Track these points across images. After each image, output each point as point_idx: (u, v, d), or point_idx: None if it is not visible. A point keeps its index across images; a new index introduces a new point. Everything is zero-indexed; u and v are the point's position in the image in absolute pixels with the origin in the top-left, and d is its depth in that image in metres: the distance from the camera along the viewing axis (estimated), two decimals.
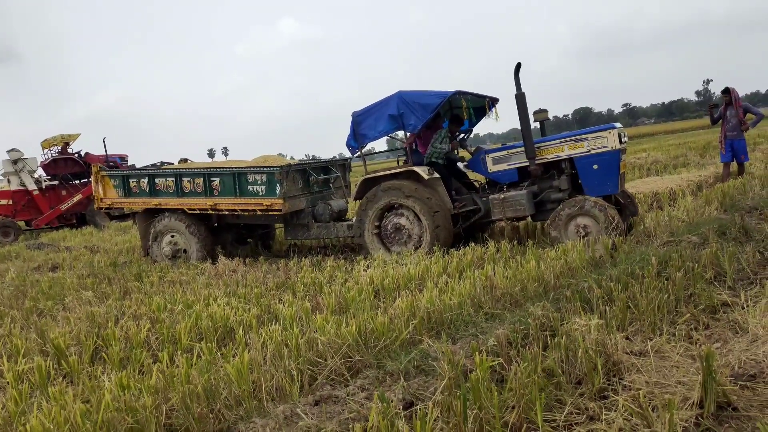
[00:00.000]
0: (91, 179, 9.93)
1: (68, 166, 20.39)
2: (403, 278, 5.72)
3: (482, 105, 8.14)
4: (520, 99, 7.23)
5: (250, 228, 10.05)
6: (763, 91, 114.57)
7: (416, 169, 7.42)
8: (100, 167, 9.88)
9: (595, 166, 6.99)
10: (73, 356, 4.24)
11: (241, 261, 8.11)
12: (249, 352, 3.72)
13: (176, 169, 9.29)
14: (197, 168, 9.09)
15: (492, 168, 7.66)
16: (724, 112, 10.80)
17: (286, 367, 3.55)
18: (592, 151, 7.02)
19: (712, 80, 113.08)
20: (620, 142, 6.94)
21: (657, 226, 7.19)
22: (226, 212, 8.80)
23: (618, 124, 7.18)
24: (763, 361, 3.26)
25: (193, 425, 3.02)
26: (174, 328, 4.63)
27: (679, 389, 3.02)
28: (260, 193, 8.41)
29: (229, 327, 4.71)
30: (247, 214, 8.67)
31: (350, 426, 2.76)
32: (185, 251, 9.02)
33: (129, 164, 20.60)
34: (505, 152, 7.58)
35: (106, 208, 9.97)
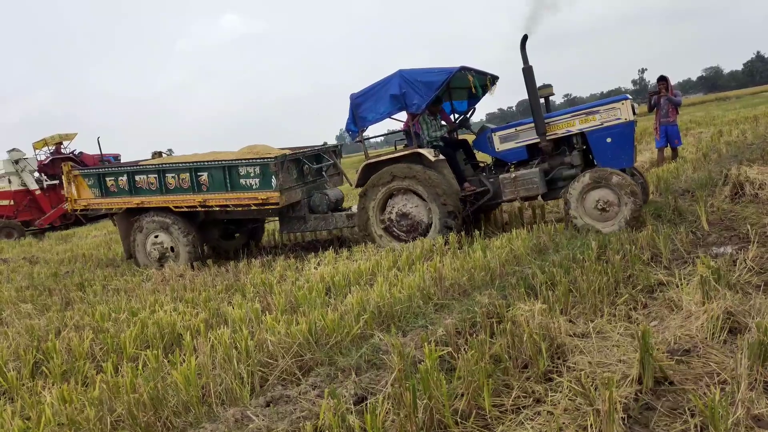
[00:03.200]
0: (63, 179, 9.23)
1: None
2: (353, 274, 5.73)
3: (484, 83, 7.73)
4: (528, 72, 6.93)
5: (238, 223, 9.39)
6: (694, 78, 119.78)
7: (421, 151, 7.07)
8: (71, 166, 9.17)
9: (609, 139, 6.69)
10: (12, 372, 4.06)
11: (188, 266, 7.94)
12: (197, 357, 3.65)
13: (159, 164, 8.54)
14: (182, 162, 8.40)
15: (499, 147, 7.28)
16: (658, 100, 11.25)
17: (236, 370, 3.50)
18: (605, 124, 6.72)
19: (646, 69, 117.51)
20: (633, 113, 6.67)
21: None
22: (217, 208, 8.17)
23: (629, 96, 6.91)
24: (696, 335, 3.43)
25: None
26: (119, 337, 4.50)
27: (620, 367, 3.14)
28: (254, 187, 7.83)
29: (177, 333, 4.61)
30: (240, 209, 8.05)
31: (301, 425, 2.76)
32: (173, 249, 8.39)
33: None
34: (513, 130, 7.23)
35: (81, 210, 9.21)
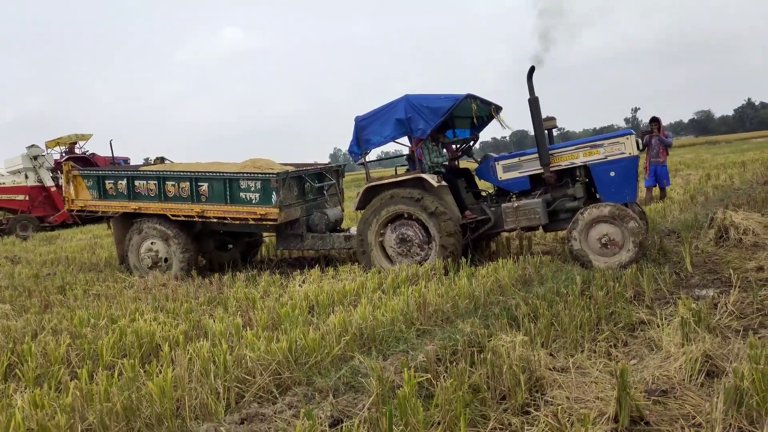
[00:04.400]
0: (62, 179, 9.17)
1: (82, 165, 20.29)
2: (338, 294, 5.71)
3: (489, 112, 7.74)
4: (534, 104, 6.93)
5: (235, 235, 9.30)
6: (685, 120, 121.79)
7: (425, 176, 7.02)
8: (72, 165, 9.13)
9: (612, 173, 6.70)
10: None
11: (171, 276, 7.88)
12: (174, 369, 3.61)
13: (159, 171, 8.52)
14: (183, 171, 8.34)
15: (502, 176, 7.28)
16: (650, 139, 11.43)
17: (212, 384, 3.46)
18: (609, 158, 6.72)
19: (639, 108, 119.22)
20: (637, 148, 6.69)
21: None
22: (215, 220, 8.11)
23: (633, 131, 6.94)
24: (675, 377, 3.45)
25: None
26: (96, 344, 4.44)
27: (597, 404, 3.14)
28: (254, 201, 7.78)
29: (155, 343, 4.56)
30: (238, 222, 8.01)
31: None
32: (166, 260, 8.30)
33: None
34: (516, 159, 7.23)
35: (77, 211, 9.10)
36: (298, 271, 7.51)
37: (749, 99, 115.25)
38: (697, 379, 3.38)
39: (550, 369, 3.60)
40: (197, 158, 9.63)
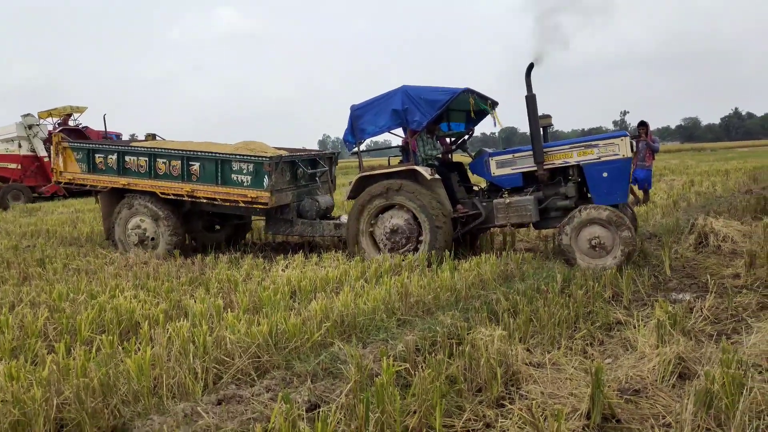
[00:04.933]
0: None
1: (77, 137, 20.09)
2: (321, 280, 5.72)
3: (484, 107, 7.67)
4: (531, 101, 6.95)
5: (224, 216, 9.19)
6: (672, 126, 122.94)
7: (419, 168, 7.02)
8: (62, 137, 8.99)
9: (605, 174, 6.71)
10: None
11: (152, 254, 7.83)
12: (153, 347, 3.61)
13: (151, 148, 8.37)
14: (175, 149, 8.20)
15: (495, 172, 7.29)
16: (637, 143, 11.53)
17: (191, 364, 3.47)
18: (603, 159, 6.75)
19: (628, 112, 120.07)
20: (631, 150, 6.72)
21: None
22: (204, 200, 8.02)
23: (627, 133, 6.96)
24: (648, 377, 3.51)
25: (86, 420, 2.89)
26: (74, 319, 4.42)
27: (570, 400, 3.20)
28: (245, 184, 7.73)
29: (135, 321, 4.54)
30: (228, 204, 7.95)
31: (251, 426, 2.74)
32: (153, 239, 8.21)
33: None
34: (510, 156, 7.23)
35: (65, 183, 8.94)
36: (282, 255, 7.50)
37: (736, 109, 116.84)
38: (669, 380, 3.45)
39: (526, 364, 3.65)
40: (187, 138, 9.45)
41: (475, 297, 5.05)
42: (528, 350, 3.93)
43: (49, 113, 21.17)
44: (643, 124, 11.61)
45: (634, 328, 4.29)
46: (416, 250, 7.09)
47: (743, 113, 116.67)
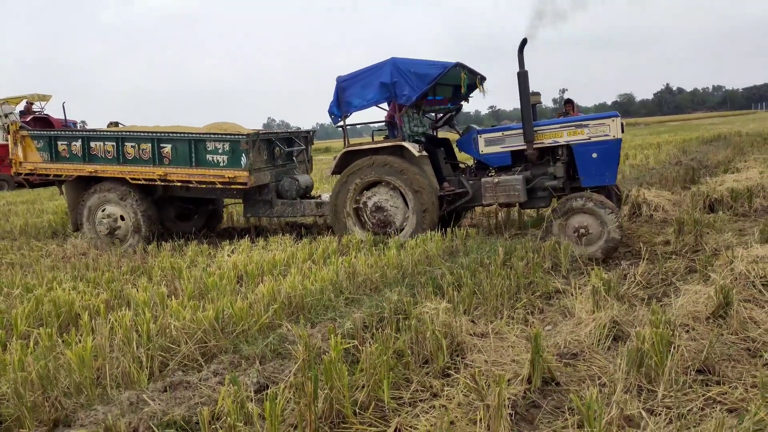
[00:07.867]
0: (8, 139, 8.39)
1: (43, 125, 18.98)
2: (267, 264, 5.68)
3: (474, 82, 7.44)
4: (523, 77, 6.76)
5: (197, 203, 8.93)
6: (609, 102, 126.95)
7: (406, 144, 6.81)
8: (20, 125, 8.41)
9: (595, 155, 6.57)
10: None
11: (91, 244, 7.58)
12: (94, 338, 3.52)
13: (118, 132, 7.97)
14: (145, 132, 7.85)
15: (483, 150, 7.04)
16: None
17: (135, 353, 3.41)
18: (593, 139, 6.58)
19: (567, 89, 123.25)
20: (621, 131, 6.60)
21: (507, 220, 7.80)
22: (179, 184, 7.68)
23: (618, 113, 6.84)
24: (585, 341, 3.69)
25: (26, 414, 2.82)
26: (9, 313, 4.26)
27: (513, 367, 3.33)
28: (221, 164, 7.42)
29: (74, 312, 4.40)
30: (204, 186, 7.66)
31: (199, 410, 2.73)
32: (129, 229, 7.85)
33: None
34: (499, 134, 7.01)
35: (26, 174, 8.39)
36: (227, 241, 7.40)
37: (668, 84, 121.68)
38: (605, 343, 3.64)
39: (470, 334, 3.76)
40: (131, 124, 8.97)
41: (421, 273, 5.14)
42: (472, 321, 4.04)
43: (5, 101, 20.03)
44: (569, 102, 12.04)
45: (572, 295, 4.48)
46: (402, 228, 6.96)
47: (674, 89, 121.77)
